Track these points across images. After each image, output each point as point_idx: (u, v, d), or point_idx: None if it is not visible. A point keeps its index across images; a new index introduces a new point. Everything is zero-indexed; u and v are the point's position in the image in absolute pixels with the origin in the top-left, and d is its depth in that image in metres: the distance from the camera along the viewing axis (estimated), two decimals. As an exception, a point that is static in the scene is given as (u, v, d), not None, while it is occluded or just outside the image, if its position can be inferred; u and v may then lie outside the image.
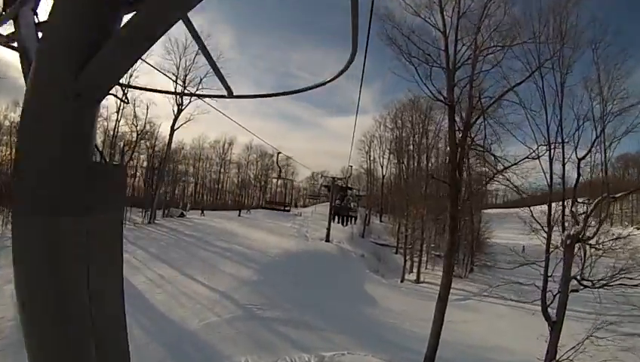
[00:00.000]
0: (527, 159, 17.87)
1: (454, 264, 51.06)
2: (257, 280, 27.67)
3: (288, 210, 35.75)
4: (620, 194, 18.35)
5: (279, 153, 31.68)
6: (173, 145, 75.12)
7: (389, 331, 26.63)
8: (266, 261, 32.62)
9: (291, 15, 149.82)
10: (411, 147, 65.83)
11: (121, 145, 54.03)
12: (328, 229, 48.41)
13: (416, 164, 63.87)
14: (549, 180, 19.49)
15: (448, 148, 18.00)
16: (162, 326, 19.51)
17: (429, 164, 57.35)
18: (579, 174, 19.07)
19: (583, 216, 18.15)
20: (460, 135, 17.56)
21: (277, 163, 38.35)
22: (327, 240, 48.17)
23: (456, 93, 18.23)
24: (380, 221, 76.51)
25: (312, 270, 34.45)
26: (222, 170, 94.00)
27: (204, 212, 57.76)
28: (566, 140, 18.46)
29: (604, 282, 16.97)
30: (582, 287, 17.54)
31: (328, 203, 50.66)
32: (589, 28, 18.13)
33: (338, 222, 44.25)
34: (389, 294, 36.96)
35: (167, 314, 21.17)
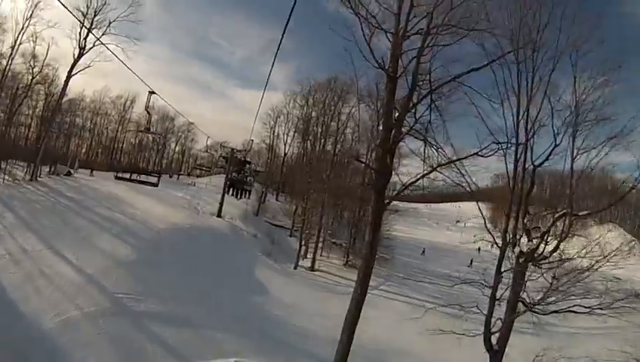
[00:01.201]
0: (476, 156, 15.11)
1: (350, 252, 49.86)
2: (135, 259, 23.29)
3: (156, 184, 28.10)
4: (584, 213, 16.05)
5: (152, 92, 24.36)
6: (72, 96, 69.77)
7: (283, 328, 23.92)
8: (149, 236, 28.18)
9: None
10: (319, 128, 62.97)
11: (15, 89, 47.54)
12: (221, 204, 44.49)
13: (321, 147, 61.11)
14: (510, 185, 16.97)
15: (381, 128, 14.74)
16: (6, 324, 15.42)
17: (336, 149, 54.60)
18: (533, 182, 16.66)
19: (534, 230, 16.05)
20: (397, 115, 14.60)
21: (146, 107, 27.85)
22: (219, 215, 44.21)
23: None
24: (277, 200, 73.82)
25: (199, 250, 30.54)
26: (120, 128, 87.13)
27: (94, 172, 52.02)
28: (522, 142, 15.95)
29: (555, 308, 14.77)
30: (526, 311, 15.24)
31: (225, 175, 46.81)
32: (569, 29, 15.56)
33: (232, 195, 43.03)
34: (282, 282, 33.94)
35: (17, 304, 16.98)
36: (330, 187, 47.35)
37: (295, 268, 41.83)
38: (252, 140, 50.58)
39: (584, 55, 14.88)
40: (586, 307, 14.17)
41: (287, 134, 75.61)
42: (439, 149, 14.92)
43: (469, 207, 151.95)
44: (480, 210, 24.19)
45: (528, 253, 15.34)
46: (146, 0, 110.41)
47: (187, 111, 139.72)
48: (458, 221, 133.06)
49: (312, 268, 42.96)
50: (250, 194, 47.21)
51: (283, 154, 76.45)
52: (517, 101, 15.99)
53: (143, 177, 34.71)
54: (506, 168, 17.06)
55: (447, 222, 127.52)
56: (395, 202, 63.60)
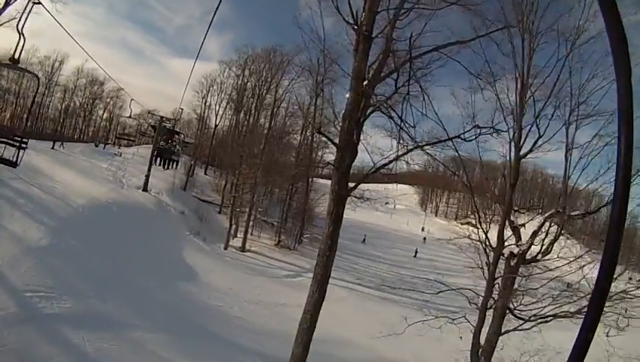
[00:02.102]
0: (458, 139, 13.22)
1: (282, 232, 48.07)
2: (49, 244, 19.63)
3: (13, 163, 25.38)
4: (577, 213, 14.52)
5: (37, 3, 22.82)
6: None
7: (218, 321, 21.82)
8: (67, 214, 24.40)
9: None
10: (254, 101, 60.06)
11: None
12: (147, 177, 41.37)
13: (254, 120, 58.42)
14: (507, 180, 15.42)
15: (348, 96, 12.46)
16: None
17: (272, 123, 52.17)
18: (517, 174, 15.07)
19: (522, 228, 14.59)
20: (366, 85, 12.48)
21: (21, 27, 24.94)
22: (145, 189, 41.11)
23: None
24: (205, 174, 70.64)
25: (122, 229, 27.48)
26: (46, 92, 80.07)
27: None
28: (504, 130, 14.27)
29: (542, 319, 13.34)
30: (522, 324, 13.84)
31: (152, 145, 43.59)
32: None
33: (159, 165, 39.93)
34: (212, 265, 31.73)
35: None
36: (264, 163, 45.13)
37: (225, 248, 39.78)
38: (182, 109, 47.45)
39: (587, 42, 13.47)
40: (571, 312, 12.85)
41: (220, 105, 72.18)
42: (413, 128, 12.97)
43: (397, 188, 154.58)
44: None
45: (519, 254, 13.81)
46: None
47: (117, 77, 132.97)
48: (387, 203, 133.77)
49: (242, 249, 41.02)
50: (177, 164, 43.65)
51: (214, 126, 73.15)
52: (516, 84, 14.45)
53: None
54: (509, 162, 15.62)
55: (376, 203, 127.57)
56: (320, 181, 62.15)
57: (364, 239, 61.57)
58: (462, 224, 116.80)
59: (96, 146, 57.58)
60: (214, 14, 10.24)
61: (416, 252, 60.77)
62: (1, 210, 21.61)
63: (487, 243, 15.48)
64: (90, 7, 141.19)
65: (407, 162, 13.75)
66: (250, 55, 64.24)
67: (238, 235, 43.68)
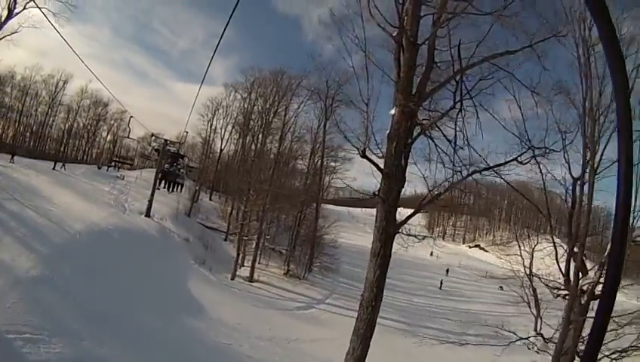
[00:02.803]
0: (514, 163, 11.18)
1: (290, 261, 45.74)
2: (39, 275, 17.14)
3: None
4: None
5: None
6: (4, 73, 67.62)
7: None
8: (62, 240, 22.00)
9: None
10: (261, 124, 58.24)
11: None
12: (150, 201, 39.00)
13: (261, 145, 56.55)
14: (569, 205, 13.28)
15: (393, 112, 10.35)
16: None
17: (281, 148, 50.15)
18: (574, 200, 12.94)
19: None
20: (414, 101, 10.46)
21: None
22: (148, 214, 38.72)
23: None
24: (210, 200, 68.56)
25: (122, 258, 25.12)
26: (50, 111, 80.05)
27: (16, 158, 45.17)
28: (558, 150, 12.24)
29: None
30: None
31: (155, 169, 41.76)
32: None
33: (164, 187, 39.91)
34: (220, 298, 29.41)
35: None
36: (274, 189, 43.10)
37: (232, 278, 37.41)
38: (187, 132, 45.96)
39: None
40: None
41: (225, 129, 70.82)
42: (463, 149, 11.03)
43: (404, 212, 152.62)
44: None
45: (589, 290, 11.61)
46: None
47: (121, 99, 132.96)
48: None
49: (251, 279, 38.60)
50: (182, 187, 43.74)
51: (219, 150, 71.49)
52: (583, 95, 12.47)
53: None
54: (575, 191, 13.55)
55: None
56: (329, 206, 60.27)
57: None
58: (470, 247, 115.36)
59: (99, 168, 55.80)
60: (220, 39, 10.17)
61: (441, 283, 57.93)
62: (-8, 234, 19.54)
63: (530, 273, 14.76)
64: (97, 28, 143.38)
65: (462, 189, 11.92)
66: (257, 78, 62.99)
67: (245, 264, 41.27)
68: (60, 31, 13.61)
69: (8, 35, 39.80)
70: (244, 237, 41.84)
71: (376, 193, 10.97)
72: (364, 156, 10.98)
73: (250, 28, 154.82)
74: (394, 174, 10.55)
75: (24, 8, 38.30)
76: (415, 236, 13.53)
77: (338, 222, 54.44)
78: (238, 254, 40.02)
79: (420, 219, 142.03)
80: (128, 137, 39.24)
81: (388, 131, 10.79)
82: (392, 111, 10.62)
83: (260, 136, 57.08)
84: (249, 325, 25.69)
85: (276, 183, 45.66)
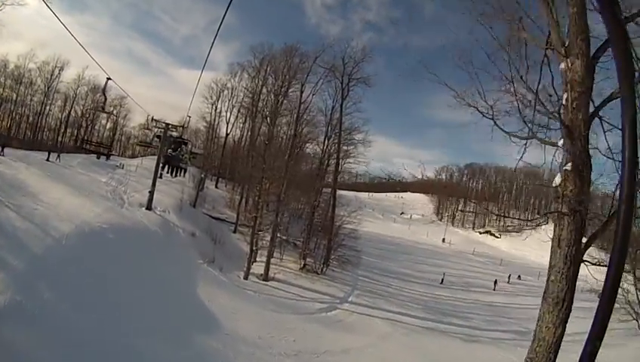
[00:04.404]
0: None
1: (306, 254, 41.82)
2: (6, 306, 12.62)
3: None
4: None
5: (109, 79, 22.97)
6: None
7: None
8: (43, 249, 17.72)
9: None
10: (270, 105, 53.98)
11: None
12: (152, 192, 35.14)
13: (271, 127, 52.23)
14: None
15: (563, 66, 5.93)
16: None
17: (297, 130, 45.73)
18: None
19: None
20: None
21: (103, 91, 28.70)
22: (149, 207, 34.84)
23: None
24: (216, 187, 64.51)
25: (118, 264, 20.95)
26: (46, 100, 77.98)
27: (4, 150, 41.30)
28: None
29: None
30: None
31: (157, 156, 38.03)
32: None
33: (167, 172, 37.65)
34: (234, 304, 25.30)
35: None
36: (289, 176, 39.31)
37: (246, 277, 33.52)
38: (189, 117, 42.58)
39: None
40: None
41: (231, 112, 67.11)
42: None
43: (412, 198, 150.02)
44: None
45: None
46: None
47: (122, 87, 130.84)
48: (402, 213, 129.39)
49: (265, 278, 34.66)
50: (185, 172, 40.46)
51: (225, 135, 67.60)
52: None
53: None
54: None
55: (393, 214, 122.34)
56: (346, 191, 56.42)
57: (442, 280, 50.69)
58: (480, 233, 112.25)
59: (98, 158, 51.91)
60: (220, 24, 10.19)
61: (495, 282, 54.06)
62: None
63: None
64: (96, 17, 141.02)
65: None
66: (266, 55, 58.89)
67: (258, 259, 37.28)
68: (56, 14, 10.73)
69: None
70: (259, 232, 37.68)
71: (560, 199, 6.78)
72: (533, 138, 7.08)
73: (251, 12, 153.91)
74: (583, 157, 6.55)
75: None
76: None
77: (345, 207, 50.57)
78: (252, 251, 35.90)
79: (428, 205, 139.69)
80: (103, 109, 34.99)
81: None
82: (563, 65, 6.66)
83: (270, 118, 52.82)
84: (271, 338, 21.94)
85: (291, 170, 41.90)
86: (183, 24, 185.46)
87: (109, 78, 21.63)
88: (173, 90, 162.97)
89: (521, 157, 10.10)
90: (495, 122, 10.51)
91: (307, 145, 51.56)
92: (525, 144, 9.88)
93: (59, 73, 77.14)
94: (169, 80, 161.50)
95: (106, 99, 29.31)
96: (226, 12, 8.73)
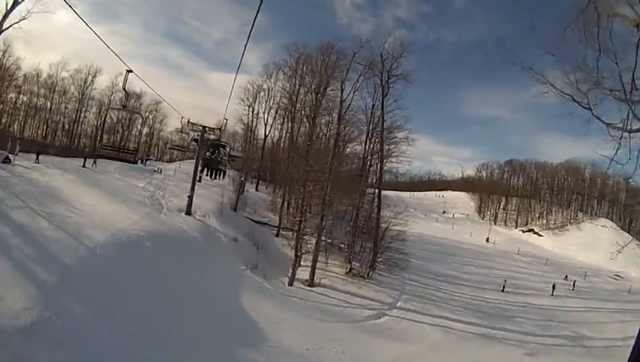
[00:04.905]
0: None
1: (352, 257, 40.25)
2: (32, 323, 11.45)
3: (134, 161, 22.67)
4: None
5: (129, 71, 20.37)
6: (25, 70, 69.96)
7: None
8: (75, 259, 16.70)
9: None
10: (309, 105, 52.73)
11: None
12: (191, 197, 34.37)
13: (310, 127, 50.84)
14: None
15: None
16: None
17: (340, 129, 44.23)
18: None
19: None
20: None
21: (124, 85, 24.59)
22: (189, 212, 34.01)
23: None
24: (257, 190, 63.67)
25: (156, 273, 20.00)
26: (80, 107, 79.38)
27: (39, 158, 41.09)
28: None
29: None
30: None
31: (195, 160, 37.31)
32: None
33: (207, 175, 36.12)
34: (279, 313, 23.85)
35: None
36: (334, 177, 38.10)
37: (290, 284, 32.15)
38: (226, 119, 41.63)
39: None
40: None
41: (268, 113, 66.22)
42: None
43: (452, 196, 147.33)
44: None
45: None
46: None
47: (159, 93, 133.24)
48: (444, 212, 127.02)
49: (311, 283, 33.31)
50: (225, 174, 39.06)
51: (264, 136, 66.82)
52: None
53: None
54: None
55: (435, 214, 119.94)
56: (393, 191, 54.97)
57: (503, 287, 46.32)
58: (523, 232, 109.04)
59: (135, 163, 51.79)
60: (252, 26, 10.06)
61: (572, 282, 51.68)
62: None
63: None
64: (128, 26, 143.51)
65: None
66: (302, 53, 57.68)
67: (302, 263, 35.80)
68: (85, 22, 10.06)
69: (17, 23, 37.27)
70: (303, 237, 36.32)
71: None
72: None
73: (282, 14, 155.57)
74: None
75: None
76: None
77: (391, 208, 48.97)
78: (297, 256, 34.53)
79: (470, 203, 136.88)
80: (124, 107, 33.98)
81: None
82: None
83: (309, 118, 51.41)
84: (319, 349, 20.53)
85: (335, 170, 40.45)
86: (214, 28, 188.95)
87: (129, 71, 19.83)
88: (207, 93, 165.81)
89: (616, 152, 9.51)
90: (593, 112, 9.73)
91: (348, 144, 50.13)
92: (620, 137, 9.26)
93: (92, 80, 78.43)
94: (202, 83, 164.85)
95: (127, 94, 27.92)
96: (256, 15, 8.84)
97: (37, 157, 38.23)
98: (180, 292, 19.74)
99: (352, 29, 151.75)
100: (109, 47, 13.16)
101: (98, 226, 21.17)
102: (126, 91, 26.74)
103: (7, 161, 35.69)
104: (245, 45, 19.75)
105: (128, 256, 19.84)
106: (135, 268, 18.95)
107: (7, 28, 36.48)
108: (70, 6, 12.32)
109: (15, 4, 35.11)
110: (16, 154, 38.56)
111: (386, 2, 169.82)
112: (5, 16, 35.53)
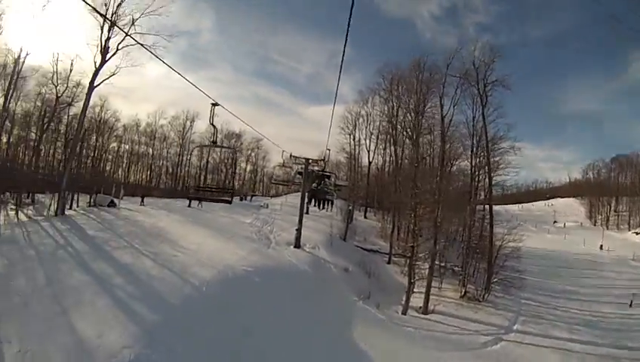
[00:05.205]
0: None
1: (466, 280, 38.44)
2: (134, 358, 12.10)
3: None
4: None
5: (215, 104, 20.35)
6: (125, 121, 75.08)
7: None
8: (180, 298, 17.49)
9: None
10: (409, 125, 52.07)
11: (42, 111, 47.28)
12: (299, 230, 34.59)
13: (414, 147, 49.99)
14: None
15: None
16: None
17: (445, 147, 43.30)
18: None
19: None
20: None
21: (211, 121, 23.20)
22: (298, 245, 34.30)
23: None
24: (365, 218, 63.14)
25: (265, 310, 19.82)
26: (182, 150, 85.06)
27: (144, 200, 43.59)
28: None
29: None
30: None
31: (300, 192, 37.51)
32: None
33: (315, 206, 37.82)
34: (394, 345, 23.27)
35: None
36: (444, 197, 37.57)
37: (404, 313, 31.11)
38: (329, 150, 42.16)
39: None
40: None
41: (370, 138, 65.99)
42: None
43: (561, 204, 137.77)
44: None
45: None
46: (203, 28, 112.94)
47: (258, 130, 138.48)
48: (555, 221, 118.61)
49: (425, 311, 32.07)
50: (332, 204, 40.21)
51: (368, 163, 66.52)
52: None
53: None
54: None
55: (546, 224, 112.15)
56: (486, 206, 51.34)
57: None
58: (637, 234, 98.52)
59: (241, 200, 52.98)
60: (343, 57, 10.17)
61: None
62: (80, 296, 15.03)
63: None
64: (219, 71, 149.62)
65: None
66: (394, 74, 57.64)
67: (415, 289, 34.58)
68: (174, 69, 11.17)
69: (107, 79, 39.40)
70: (417, 262, 35.31)
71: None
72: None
73: (366, 42, 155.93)
74: None
75: (117, 50, 38.02)
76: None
77: (503, 224, 46.30)
78: (410, 283, 33.51)
79: (580, 209, 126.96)
80: (214, 143, 34.34)
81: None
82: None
83: (412, 138, 50.58)
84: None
85: (444, 190, 39.49)
86: (303, 64, 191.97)
87: (214, 104, 20.03)
88: (305, 126, 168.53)
89: None
90: None
91: (453, 160, 48.72)
92: None
93: (190, 125, 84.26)
94: (298, 117, 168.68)
95: (215, 129, 28.35)
96: (345, 45, 9.14)
97: (142, 200, 40.38)
98: (291, 327, 19.73)
99: (437, 43, 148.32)
100: (197, 87, 13.47)
101: (204, 264, 21.83)
102: (214, 126, 27.13)
103: (112, 204, 38.38)
104: (339, 75, 20.56)
105: (236, 292, 20.21)
106: (243, 303, 19.24)
107: (99, 84, 38.73)
108: (157, 57, 13.05)
109: (104, 61, 37.54)
110: (121, 198, 41.10)
111: (464, 8, 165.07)
112: (95, 74, 37.86)
